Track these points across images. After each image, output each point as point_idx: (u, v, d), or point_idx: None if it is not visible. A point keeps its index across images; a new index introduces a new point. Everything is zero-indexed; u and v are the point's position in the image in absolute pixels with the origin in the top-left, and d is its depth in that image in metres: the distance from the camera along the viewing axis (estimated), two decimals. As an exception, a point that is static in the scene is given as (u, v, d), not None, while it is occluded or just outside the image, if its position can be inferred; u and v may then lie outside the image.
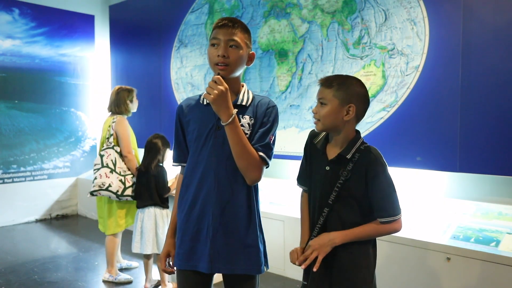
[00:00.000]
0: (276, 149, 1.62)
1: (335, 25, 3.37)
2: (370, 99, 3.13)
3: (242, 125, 1.50)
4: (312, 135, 1.66)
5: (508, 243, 2.44)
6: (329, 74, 3.36)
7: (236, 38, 1.49)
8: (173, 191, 3.03)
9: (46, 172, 5.35)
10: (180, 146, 1.65)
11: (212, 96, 1.40)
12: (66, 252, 4.05)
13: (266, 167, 1.56)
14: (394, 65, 3.04)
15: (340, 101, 1.48)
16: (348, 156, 1.50)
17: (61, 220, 5.32)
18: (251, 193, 1.57)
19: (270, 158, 1.54)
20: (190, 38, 4.56)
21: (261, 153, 1.51)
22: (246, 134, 1.51)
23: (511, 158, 2.59)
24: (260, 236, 1.59)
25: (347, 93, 1.49)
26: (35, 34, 5.25)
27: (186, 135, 1.62)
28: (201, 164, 1.54)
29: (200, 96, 1.62)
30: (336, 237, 1.48)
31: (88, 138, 5.74)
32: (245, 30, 1.54)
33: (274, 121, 1.57)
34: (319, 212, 1.54)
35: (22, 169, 5.14)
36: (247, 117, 1.54)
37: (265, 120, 1.55)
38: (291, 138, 3.67)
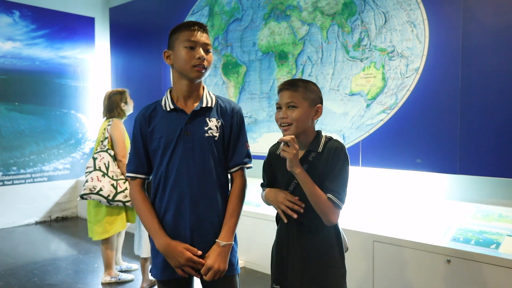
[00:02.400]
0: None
1: (335, 27, 3.37)
2: (370, 101, 3.15)
3: (210, 128, 1.55)
4: (272, 151, 1.71)
5: (509, 245, 2.43)
6: (329, 76, 3.38)
7: (209, 41, 1.56)
8: None
9: (46, 174, 5.35)
10: (138, 157, 1.61)
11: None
12: (66, 254, 4.05)
13: (249, 168, 1.65)
14: (394, 67, 3.04)
15: (309, 103, 1.56)
16: (320, 150, 1.57)
17: (61, 222, 5.32)
18: (225, 195, 1.61)
19: (251, 160, 1.66)
20: (190, 40, 4.56)
21: (249, 165, 1.63)
22: (215, 136, 1.55)
23: (511, 160, 2.59)
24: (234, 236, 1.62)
25: (314, 94, 1.58)
26: (36, 36, 5.26)
27: (149, 144, 1.59)
28: (172, 171, 1.54)
29: (157, 103, 1.62)
30: (299, 167, 1.50)
31: (88, 140, 5.75)
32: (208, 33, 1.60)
33: (243, 125, 1.65)
34: (287, 185, 1.60)
35: (22, 171, 5.14)
36: (213, 119, 1.57)
37: (236, 129, 1.61)
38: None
